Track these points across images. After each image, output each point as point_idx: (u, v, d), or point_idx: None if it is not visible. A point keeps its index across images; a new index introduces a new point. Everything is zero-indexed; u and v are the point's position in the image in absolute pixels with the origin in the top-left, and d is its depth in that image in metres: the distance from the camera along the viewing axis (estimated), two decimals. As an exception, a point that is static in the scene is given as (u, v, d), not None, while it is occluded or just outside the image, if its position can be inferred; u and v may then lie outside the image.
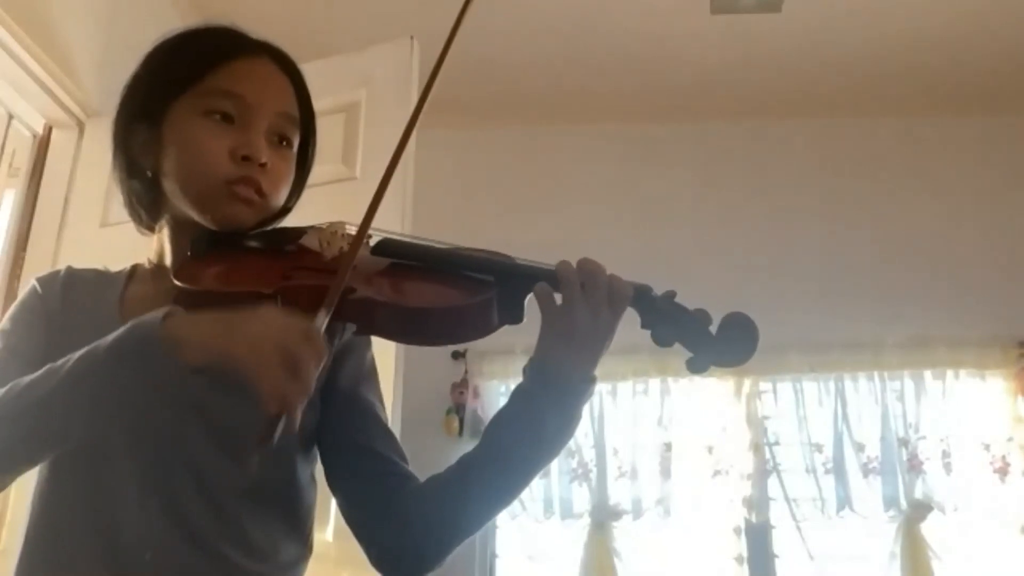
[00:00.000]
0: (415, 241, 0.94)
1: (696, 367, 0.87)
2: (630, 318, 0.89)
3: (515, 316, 0.89)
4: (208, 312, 0.80)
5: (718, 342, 0.86)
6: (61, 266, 1.03)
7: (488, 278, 0.88)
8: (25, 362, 0.89)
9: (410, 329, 0.88)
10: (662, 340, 0.88)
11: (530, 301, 0.89)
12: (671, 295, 0.88)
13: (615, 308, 0.86)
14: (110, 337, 0.79)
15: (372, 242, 0.93)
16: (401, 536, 0.92)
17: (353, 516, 0.96)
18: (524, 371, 0.90)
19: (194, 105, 0.94)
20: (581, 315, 0.85)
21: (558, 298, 0.87)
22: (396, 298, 0.87)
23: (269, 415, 0.71)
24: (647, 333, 0.88)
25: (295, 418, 0.72)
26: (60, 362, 0.80)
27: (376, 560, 0.95)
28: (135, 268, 1.03)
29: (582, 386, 0.88)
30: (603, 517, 2.99)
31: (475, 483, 0.90)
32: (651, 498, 2.99)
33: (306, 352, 0.73)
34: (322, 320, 0.77)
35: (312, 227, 0.95)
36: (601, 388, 3.11)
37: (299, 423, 0.94)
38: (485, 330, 0.87)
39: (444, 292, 0.87)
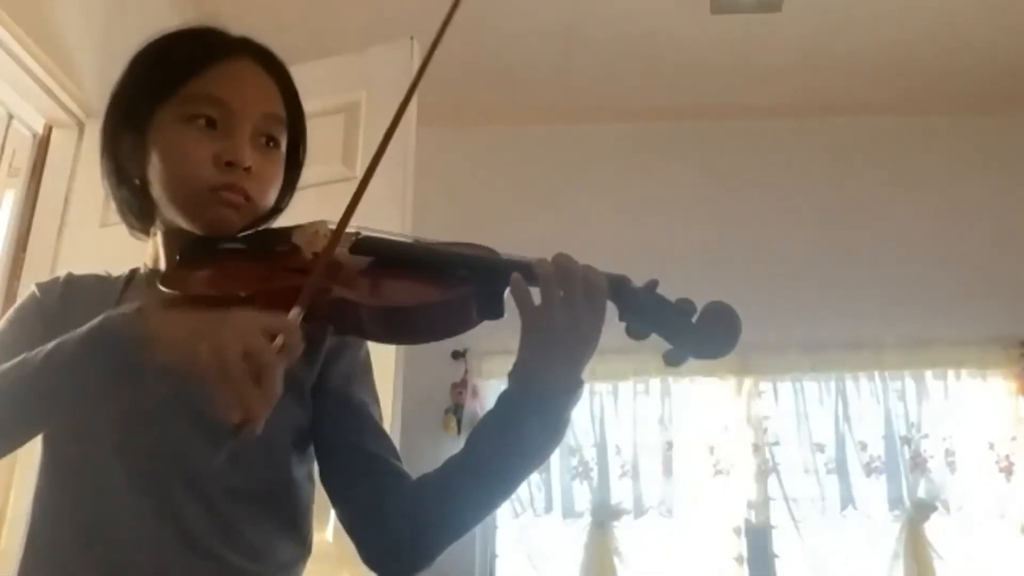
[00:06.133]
0: (393, 238, 0.93)
1: (673, 359, 0.83)
2: (612, 315, 0.86)
3: (495, 312, 0.87)
4: (184, 311, 0.80)
5: (697, 333, 0.82)
6: (62, 271, 1.04)
7: (466, 274, 0.87)
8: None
9: (387, 328, 0.87)
10: (636, 333, 0.84)
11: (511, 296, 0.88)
12: (652, 285, 0.84)
13: (593, 301, 0.83)
14: (83, 328, 0.79)
15: (351, 241, 0.92)
16: (390, 535, 0.92)
17: (345, 514, 0.96)
18: (508, 376, 0.87)
19: (177, 112, 0.93)
20: (560, 313, 0.82)
21: (535, 294, 0.85)
22: (371, 298, 0.87)
23: (231, 424, 0.69)
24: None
25: (256, 427, 0.70)
26: (34, 351, 0.79)
27: (366, 558, 0.94)
28: (134, 272, 1.03)
29: (566, 392, 0.85)
30: (604, 516, 2.99)
31: (457, 490, 0.90)
32: (652, 498, 2.99)
33: (273, 358, 0.71)
34: (297, 315, 0.75)
35: (298, 227, 0.95)
36: (602, 388, 3.11)
37: (285, 425, 0.93)
38: (463, 326, 0.86)
39: (421, 289, 0.86)
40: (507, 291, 0.86)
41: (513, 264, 0.86)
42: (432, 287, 0.86)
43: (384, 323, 0.86)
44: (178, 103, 0.93)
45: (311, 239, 0.91)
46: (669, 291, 0.85)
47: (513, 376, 0.87)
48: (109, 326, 0.78)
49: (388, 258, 0.92)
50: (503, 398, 0.87)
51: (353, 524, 0.95)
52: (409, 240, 0.94)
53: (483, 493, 0.90)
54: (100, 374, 0.78)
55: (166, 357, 0.76)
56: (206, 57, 0.95)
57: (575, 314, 0.82)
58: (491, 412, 0.88)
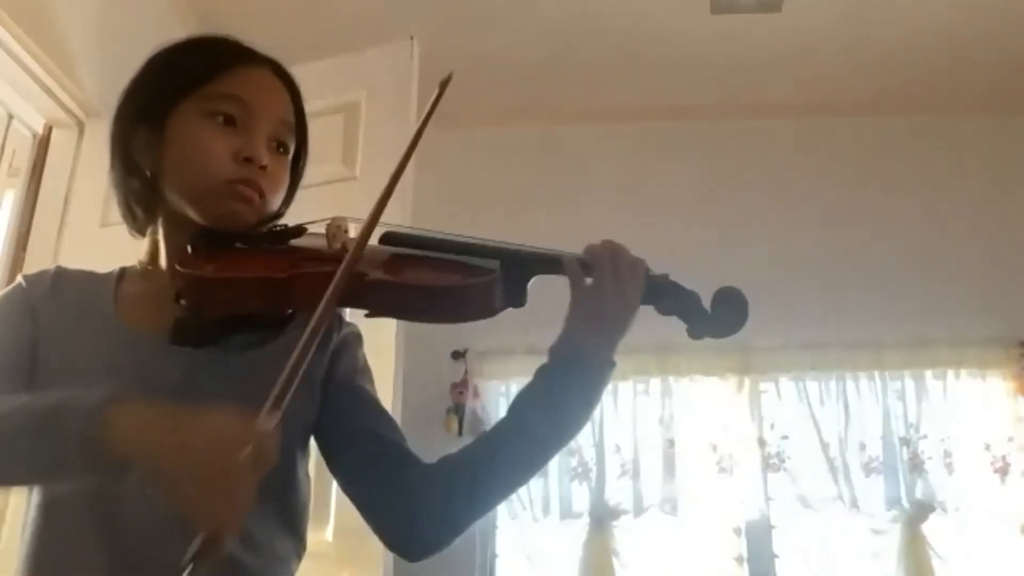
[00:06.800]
0: (419, 232, 0.98)
1: (694, 336, 0.94)
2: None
3: (518, 299, 0.93)
4: (158, 402, 0.77)
5: (711, 315, 0.94)
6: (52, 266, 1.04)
7: (493, 262, 0.93)
8: (4, 354, 0.92)
9: (420, 307, 0.93)
10: (663, 311, 0.96)
11: (532, 290, 0.93)
12: (665, 276, 0.97)
13: (637, 284, 0.93)
14: (44, 403, 0.78)
15: (378, 234, 0.95)
16: (415, 515, 0.94)
17: (361, 500, 0.97)
18: (551, 351, 0.93)
19: (198, 108, 0.96)
20: (611, 294, 0.92)
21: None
22: (404, 279, 0.92)
23: (203, 536, 0.68)
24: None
25: (224, 543, 0.69)
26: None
27: (388, 540, 0.96)
28: (124, 270, 1.04)
29: (605, 367, 0.92)
30: (602, 516, 2.99)
31: (496, 459, 0.93)
32: (651, 498, 2.99)
33: (246, 468, 0.70)
34: (275, 417, 0.73)
35: (316, 223, 0.98)
36: (601, 388, 3.10)
37: (295, 418, 0.93)
38: (488, 311, 0.92)
39: (449, 273, 0.92)
40: (530, 281, 0.93)
41: (539, 254, 0.94)
42: (460, 272, 0.92)
43: (416, 303, 0.92)
44: (199, 100, 0.97)
45: (335, 232, 0.94)
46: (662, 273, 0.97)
47: (559, 348, 0.93)
48: (72, 413, 0.76)
49: (417, 247, 0.97)
50: (547, 370, 0.93)
51: (370, 508, 0.96)
52: (435, 234, 0.98)
53: (521, 462, 0.94)
54: (54, 454, 0.76)
55: (130, 454, 0.74)
56: (229, 59, 1.00)
57: (623, 291, 0.92)
58: (532, 384, 0.94)
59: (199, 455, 0.70)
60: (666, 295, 0.95)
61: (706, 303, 0.94)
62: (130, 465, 0.75)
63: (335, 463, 0.99)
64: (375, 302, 0.91)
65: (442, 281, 0.92)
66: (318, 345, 0.97)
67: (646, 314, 0.95)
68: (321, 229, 0.96)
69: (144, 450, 0.74)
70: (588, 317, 0.92)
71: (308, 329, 0.78)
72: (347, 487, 0.98)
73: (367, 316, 0.98)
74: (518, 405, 0.94)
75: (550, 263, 0.94)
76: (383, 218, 0.92)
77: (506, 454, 0.93)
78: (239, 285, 0.90)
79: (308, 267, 0.90)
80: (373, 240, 0.96)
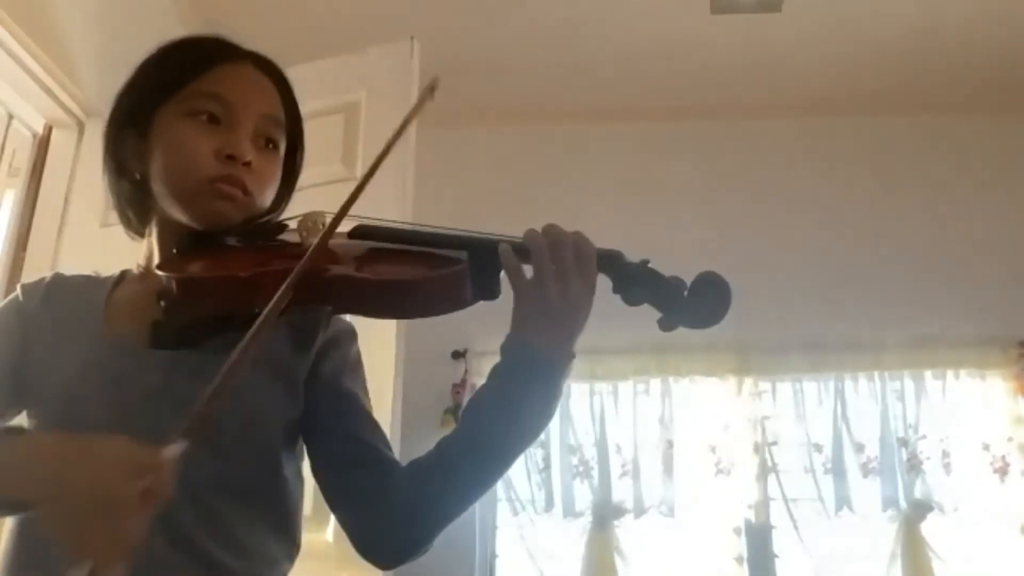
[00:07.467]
0: (389, 225, 0.96)
1: (665, 326, 0.86)
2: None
3: (490, 290, 0.89)
4: (61, 441, 0.76)
5: (689, 303, 0.85)
6: (57, 270, 1.05)
7: (461, 253, 0.89)
8: None
9: (383, 303, 0.90)
10: (631, 301, 0.87)
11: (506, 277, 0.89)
12: (645, 262, 0.87)
13: (584, 271, 0.85)
14: None
15: (348, 228, 0.94)
16: (385, 521, 0.92)
17: (337, 503, 0.96)
18: (502, 350, 0.87)
19: (181, 108, 0.96)
20: (553, 285, 0.84)
21: (528, 271, 0.87)
22: (368, 274, 0.89)
23: (88, 570, 0.63)
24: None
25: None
26: None
27: (360, 546, 0.95)
28: (124, 273, 1.04)
29: (561, 362, 0.86)
30: (605, 515, 2.99)
31: (457, 466, 0.90)
32: (653, 497, 2.99)
33: (132, 502, 0.66)
34: (179, 449, 0.69)
35: (295, 217, 0.97)
36: (602, 388, 3.11)
37: (276, 418, 0.94)
38: (458, 303, 0.88)
39: (415, 267, 0.89)
40: (503, 272, 0.88)
41: (478, 241, 0.89)
42: (426, 265, 0.88)
43: (380, 298, 0.89)
44: (182, 100, 0.96)
45: (310, 228, 0.93)
46: (642, 259, 0.89)
47: (508, 348, 0.87)
48: None
49: (385, 240, 0.94)
50: (499, 372, 0.88)
51: (347, 513, 0.95)
52: (406, 225, 0.96)
53: (483, 467, 0.90)
54: None
55: (13, 491, 0.72)
56: (211, 58, 0.99)
57: (567, 285, 0.84)
58: (486, 386, 0.89)
59: (78, 488, 0.67)
60: (636, 283, 0.86)
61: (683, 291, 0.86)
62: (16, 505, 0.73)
63: (314, 463, 0.98)
64: (335, 297, 0.88)
65: (408, 275, 0.88)
66: (300, 346, 0.97)
67: (647, 312, 0.89)
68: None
69: (19, 485, 0.72)
70: (531, 314, 0.85)
71: (245, 338, 0.74)
72: (323, 489, 0.97)
73: (332, 313, 0.98)
74: (474, 408, 0.89)
75: (487, 250, 0.87)
76: (365, 213, 0.91)
77: (469, 459, 0.89)
78: (206, 285, 0.89)
79: (275, 265, 0.88)
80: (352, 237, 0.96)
